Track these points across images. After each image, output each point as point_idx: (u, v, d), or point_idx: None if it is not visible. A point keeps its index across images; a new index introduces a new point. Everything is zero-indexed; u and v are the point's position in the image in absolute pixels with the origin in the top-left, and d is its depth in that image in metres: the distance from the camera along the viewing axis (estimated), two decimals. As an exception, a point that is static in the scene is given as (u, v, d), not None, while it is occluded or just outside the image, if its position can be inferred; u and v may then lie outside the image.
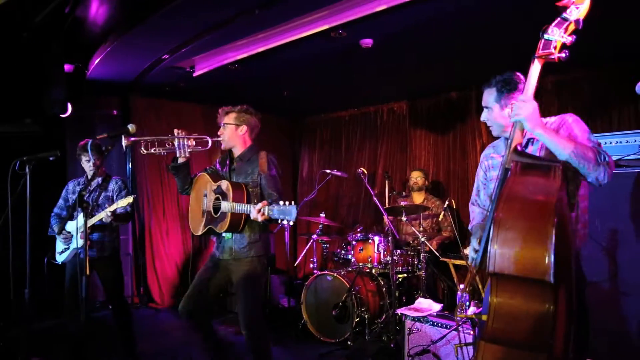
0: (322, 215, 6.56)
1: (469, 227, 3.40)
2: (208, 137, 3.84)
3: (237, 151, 3.95)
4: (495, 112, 3.01)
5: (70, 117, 5.99)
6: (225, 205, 3.64)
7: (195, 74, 6.11)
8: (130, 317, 4.86)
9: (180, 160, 3.92)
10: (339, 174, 6.45)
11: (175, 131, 3.88)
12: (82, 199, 3.09)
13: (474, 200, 3.51)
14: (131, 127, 3.30)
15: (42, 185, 4.59)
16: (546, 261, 2.10)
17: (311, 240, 6.69)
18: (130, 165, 7.29)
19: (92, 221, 4.45)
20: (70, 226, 4.74)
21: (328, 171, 6.61)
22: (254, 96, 7.05)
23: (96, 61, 5.68)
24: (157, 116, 7.48)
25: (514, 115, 2.64)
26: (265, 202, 3.40)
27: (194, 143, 3.87)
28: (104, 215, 4.41)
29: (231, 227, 3.70)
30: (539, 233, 2.09)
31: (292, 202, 3.22)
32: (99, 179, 4.74)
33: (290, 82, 6.62)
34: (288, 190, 9.31)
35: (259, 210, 3.38)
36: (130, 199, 4.34)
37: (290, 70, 6.06)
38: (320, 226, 6.52)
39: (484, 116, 3.06)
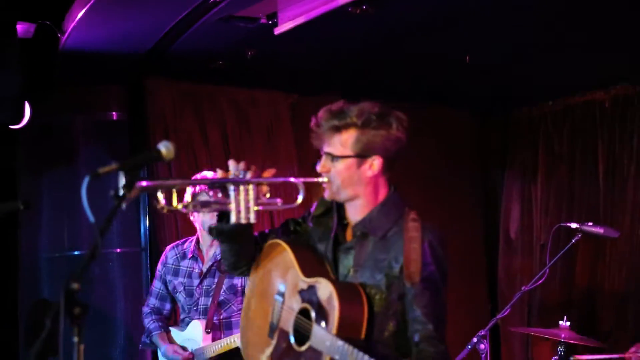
0: (564, 322, 4.73)
1: None
2: (297, 180, 2.79)
3: (358, 209, 2.77)
4: None
5: (29, 128, 5.12)
6: (321, 337, 2.62)
7: (278, 30, 4.80)
8: None
9: (236, 220, 2.82)
10: (598, 230, 4.72)
11: (231, 165, 2.82)
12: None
13: None
14: (165, 148, 2.20)
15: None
16: None
17: None
18: (147, 222, 5.97)
19: (215, 347, 4.23)
20: (181, 337, 4.42)
21: (574, 225, 4.75)
22: (398, 72, 5.99)
23: (78, 15, 4.83)
24: (198, 122, 6.02)
25: None
26: None
27: (267, 194, 2.81)
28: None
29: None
30: None
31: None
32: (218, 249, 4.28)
33: (481, 34, 5.19)
34: (480, 268, 7.24)
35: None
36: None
37: (477, 9, 4.77)
38: (560, 348, 4.69)
39: None
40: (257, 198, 2.74)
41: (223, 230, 2.81)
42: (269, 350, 2.84)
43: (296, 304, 2.77)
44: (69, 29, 4.93)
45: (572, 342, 4.41)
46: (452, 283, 7.01)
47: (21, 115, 4.89)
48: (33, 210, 5.33)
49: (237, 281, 4.51)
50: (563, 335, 4.36)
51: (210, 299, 4.39)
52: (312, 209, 2.99)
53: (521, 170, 6.91)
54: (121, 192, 2.16)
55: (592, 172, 6.27)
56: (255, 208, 2.77)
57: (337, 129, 2.70)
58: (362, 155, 2.71)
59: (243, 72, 5.67)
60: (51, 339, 1.99)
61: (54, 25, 5.06)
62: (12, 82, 4.78)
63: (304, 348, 2.67)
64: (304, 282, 2.77)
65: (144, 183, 2.62)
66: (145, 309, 4.65)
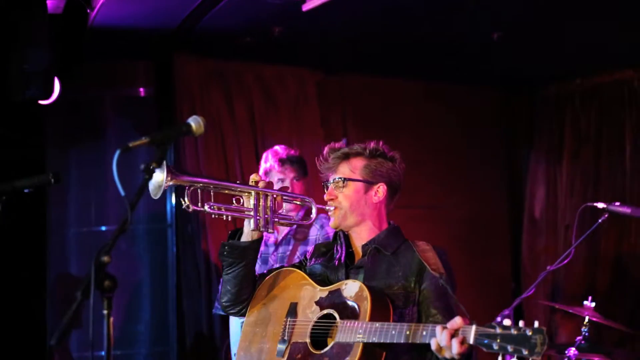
0: (589, 302, 4.51)
1: None
2: (312, 201, 2.92)
3: (364, 233, 2.86)
4: None
5: (57, 104, 5.05)
6: (349, 330, 2.58)
7: (306, 6, 4.82)
8: None
9: (248, 236, 2.86)
10: (626, 210, 4.32)
11: (253, 177, 2.88)
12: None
13: None
14: (196, 123, 2.25)
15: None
16: None
17: None
18: (173, 202, 5.84)
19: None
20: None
21: (601, 205, 4.41)
22: (424, 50, 5.89)
23: (108, -9, 4.90)
24: (225, 98, 5.95)
25: None
26: (462, 318, 2.35)
27: (283, 206, 2.90)
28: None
29: None
30: None
31: (536, 324, 2.14)
32: (300, 213, 3.88)
33: (507, 10, 5.12)
34: (504, 247, 7.06)
35: (453, 333, 2.29)
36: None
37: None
38: (584, 328, 4.42)
39: None
40: (273, 212, 2.86)
41: (236, 246, 2.87)
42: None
43: (312, 313, 2.81)
44: (98, 5, 4.90)
45: (595, 320, 4.37)
46: (476, 261, 6.96)
47: (50, 91, 4.93)
48: (61, 186, 5.26)
49: (310, 248, 4.29)
50: (586, 313, 4.31)
51: (285, 265, 4.33)
52: (308, 255, 3.03)
53: (547, 150, 6.87)
54: (152, 166, 2.15)
55: (619, 152, 6.21)
56: (275, 220, 2.88)
57: (347, 157, 2.84)
58: (369, 181, 2.84)
59: (270, 48, 5.69)
60: (77, 311, 2.02)
61: (84, 1, 5.04)
62: (41, 57, 4.80)
63: (326, 349, 2.67)
64: (322, 291, 2.82)
65: (182, 177, 2.74)
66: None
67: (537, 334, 2.13)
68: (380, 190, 2.85)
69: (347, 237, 2.89)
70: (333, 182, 2.85)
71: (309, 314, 2.80)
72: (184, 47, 5.70)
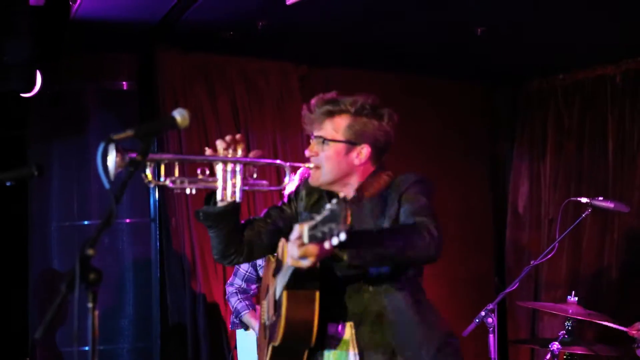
0: (572, 297, 4.59)
1: None
2: (283, 163, 2.81)
3: (350, 187, 2.77)
4: None
5: (39, 96, 5.13)
6: (278, 284, 2.71)
7: (290, 0, 4.83)
8: None
9: (223, 202, 2.75)
10: (609, 205, 4.61)
11: (219, 145, 2.76)
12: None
13: None
14: (180, 116, 2.13)
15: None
16: None
17: (547, 355, 4.60)
18: (156, 196, 5.90)
19: None
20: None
21: (584, 200, 4.65)
22: (408, 44, 5.91)
23: (91, -16, 4.96)
24: (208, 92, 6.01)
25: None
26: (300, 224, 2.26)
27: (254, 174, 2.83)
28: None
29: (293, 325, 2.58)
30: None
31: (340, 194, 2.13)
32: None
33: (491, 4, 5.13)
34: (488, 242, 7.13)
35: (298, 238, 2.25)
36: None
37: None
38: (567, 323, 4.54)
39: None
40: (244, 178, 2.75)
41: (209, 213, 2.78)
42: (267, 350, 2.84)
43: (274, 286, 2.81)
44: (81, -3, 4.87)
45: (579, 317, 4.39)
46: (459, 256, 6.96)
47: (32, 83, 4.87)
48: (43, 179, 5.28)
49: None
50: (571, 311, 4.33)
51: None
52: (290, 193, 2.96)
53: (530, 144, 6.84)
54: (137, 158, 2.12)
55: (602, 147, 6.23)
56: (244, 189, 2.77)
57: (331, 114, 2.71)
58: (352, 142, 2.73)
59: (253, 43, 5.66)
60: (61, 304, 2.00)
61: (66, -8, 4.95)
62: (22, 49, 4.71)
63: (275, 313, 2.71)
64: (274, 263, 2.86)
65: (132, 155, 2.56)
66: (230, 289, 4.62)
67: (338, 204, 2.09)
68: (363, 152, 2.75)
69: (327, 192, 2.82)
70: (315, 138, 2.78)
71: (275, 289, 2.85)
72: (167, 41, 5.68)
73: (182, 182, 2.71)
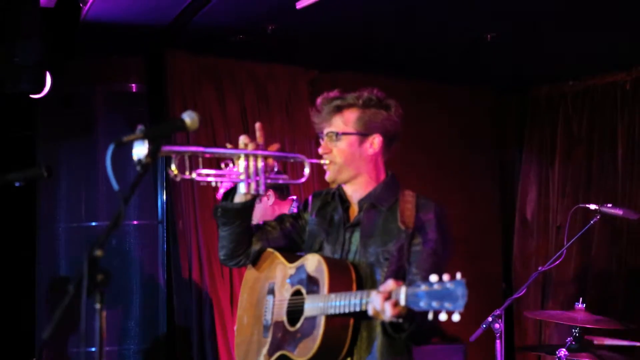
0: (580, 304, 4.53)
1: None
2: (304, 157, 2.81)
3: (360, 187, 2.78)
4: None
5: (48, 98, 5.01)
6: (312, 304, 2.60)
7: (300, 4, 4.83)
8: None
9: (241, 197, 2.79)
10: (617, 212, 4.54)
11: (242, 140, 2.79)
12: None
13: None
14: (190, 118, 2.23)
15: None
16: None
17: None
18: (164, 198, 5.93)
19: None
20: None
21: (593, 207, 4.58)
22: (417, 50, 5.90)
23: (101, -14, 4.85)
24: (217, 96, 5.99)
25: None
26: (395, 281, 2.28)
27: (275, 167, 2.80)
28: None
29: (326, 347, 2.55)
30: None
31: (457, 276, 2.11)
32: None
33: (501, 11, 5.09)
34: (495, 248, 7.08)
35: (387, 296, 2.25)
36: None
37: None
38: (574, 330, 4.45)
39: None
40: (264, 171, 2.76)
41: (228, 209, 2.80)
42: (265, 349, 2.82)
43: (287, 292, 2.78)
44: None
45: (588, 326, 4.38)
46: (467, 261, 6.96)
47: (42, 85, 4.84)
48: (52, 181, 5.30)
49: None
50: (579, 319, 4.30)
51: None
52: (308, 205, 2.96)
53: (539, 151, 6.79)
54: (145, 160, 2.12)
55: (611, 154, 6.20)
56: (268, 182, 2.78)
57: (339, 109, 2.74)
58: (363, 132, 2.75)
59: (263, 46, 5.65)
60: (69, 305, 1.99)
61: (76, -6, 4.96)
62: (32, 50, 4.68)
63: (298, 325, 2.65)
64: (291, 268, 2.79)
65: (164, 147, 2.59)
66: None
67: (457, 286, 2.11)
68: (375, 142, 2.77)
69: (340, 196, 2.83)
70: (327, 135, 2.79)
71: (284, 293, 2.81)
72: (176, 44, 5.67)
73: (207, 175, 2.73)
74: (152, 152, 2.10)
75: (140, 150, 2.27)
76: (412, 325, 2.35)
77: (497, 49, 5.68)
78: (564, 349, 4.22)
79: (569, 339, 4.29)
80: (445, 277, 2.12)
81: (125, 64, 5.82)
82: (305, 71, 6.11)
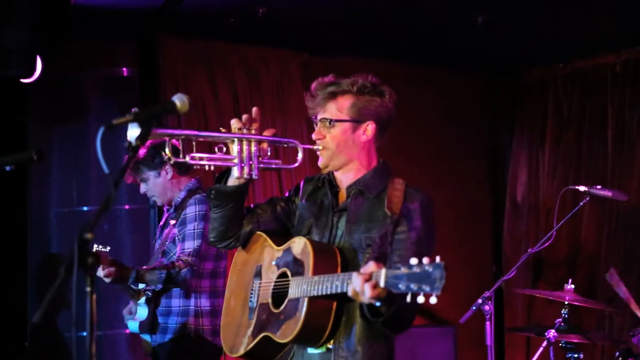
0: (569, 285, 4.53)
1: None
2: (297, 143, 2.83)
3: (351, 173, 2.81)
4: None
5: (40, 82, 5.10)
6: (297, 286, 2.63)
7: None
8: None
9: (235, 180, 2.80)
10: (607, 193, 4.62)
11: (234, 124, 2.78)
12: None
13: None
14: (180, 101, 2.16)
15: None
16: None
17: (544, 343, 4.56)
18: None
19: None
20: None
21: (582, 188, 4.62)
22: (407, 33, 5.95)
23: (90, -31, 5.03)
24: (209, 79, 6.03)
25: None
26: (376, 263, 2.30)
27: (268, 152, 2.81)
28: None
29: (308, 329, 2.59)
30: None
31: (437, 259, 2.12)
32: (177, 199, 4.23)
33: None
34: (486, 230, 7.11)
35: (367, 279, 2.27)
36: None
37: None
38: (564, 311, 4.49)
39: None
40: (258, 156, 2.78)
41: (222, 191, 2.82)
42: (249, 330, 2.85)
43: (273, 274, 2.80)
44: (81, -17, 4.82)
45: (576, 303, 4.39)
46: (457, 244, 6.95)
47: (32, 69, 4.88)
48: (43, 166, 5.30)
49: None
50: (567, 298, 4.34)
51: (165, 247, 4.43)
52: (300, 190, 2.97)
53: (529, 133, 6.80)
54: (135, 143, 2.11)
55: (601, 136, 6.21)
56: (260, 167, 2.78)
57: (333, 95, 2.74)
58: (357, 120, 2.76)
59: (254, 29, 5.65)
60: (60, 288, 2.00)
61: (66, -21, 4.85)
62: (23, 35, 4.75)
63: (282, 307, 2.68)
64: (278, 251, 2.81)
65: (157, 130, 2.65)
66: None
67: (436, 269, 2.12)
68: (369, 129, 2.78)
69: (330, 181, 2.85)
70: (320, 122, 2.79)
71: (270, 275, 2.82)
72: (167, 28, 5.69)
73: (201, 159, 2.74)
74: (142, 135, 2.08)
75: (134, 133, 2.25)
76: (389, 309, 2.38)
77: (488, 32, 5.68)
78: (553, 330, 4.24)
79: (558, 320, 4.32)
80: (425, 260, 2.14)
81: (116, 48, 5.81)
82: (297, 54, 6.10)
